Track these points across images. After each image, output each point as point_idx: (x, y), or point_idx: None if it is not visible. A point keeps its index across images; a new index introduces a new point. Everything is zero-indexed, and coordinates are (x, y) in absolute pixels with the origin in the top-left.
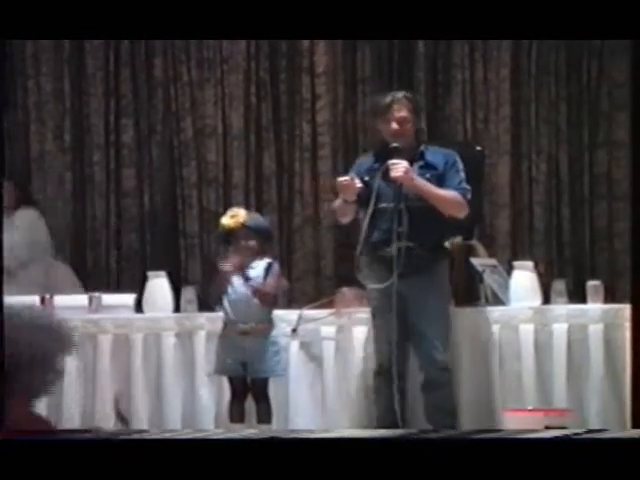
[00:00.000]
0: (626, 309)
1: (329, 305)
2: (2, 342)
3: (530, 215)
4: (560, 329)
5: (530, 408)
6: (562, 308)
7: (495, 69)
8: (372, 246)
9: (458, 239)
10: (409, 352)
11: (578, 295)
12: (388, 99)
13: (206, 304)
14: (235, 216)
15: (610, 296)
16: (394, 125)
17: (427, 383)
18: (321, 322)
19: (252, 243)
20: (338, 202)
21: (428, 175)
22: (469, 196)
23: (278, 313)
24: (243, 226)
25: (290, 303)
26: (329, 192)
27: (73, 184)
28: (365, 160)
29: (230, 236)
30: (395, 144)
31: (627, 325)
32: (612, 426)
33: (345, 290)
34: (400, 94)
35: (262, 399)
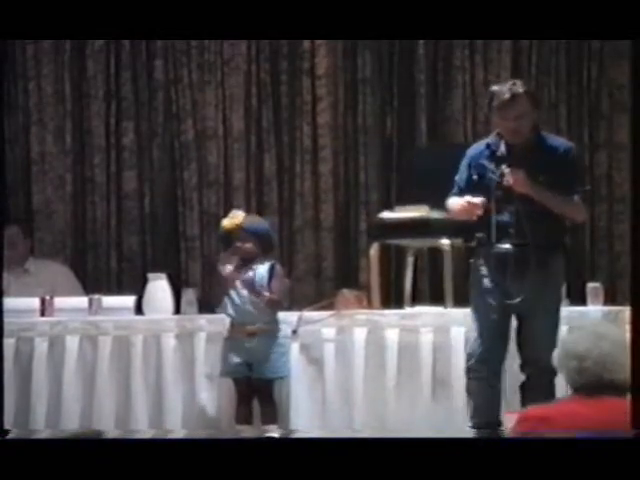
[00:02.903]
0: (626, 311)
1: (330, 307)
2: (2, 341)
3: None
4: (560, 331)
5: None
6: (562, 310)
7: (495, 71)
8: (486, 242)
9: (459, 241)
10: (506, 351)
11: (578, 297)
12: (507, 95)
13: (206, 306)
14: (233, 218)
15: (610, 298)
16: (512, 124)
17: (528, 384)
18: (322, 324)
19: (248, 246)
20: (457, 205)
21: (541, 178)
22: (583, 197)
23: (279, 314)
24: (239, 228)
25: (291, 305)
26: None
27: (74, 186)
28: (478, 152)
29: (228, 238)
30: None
31: (627, 327)
32: None
33: (345, 291)
34: (521, 89)
35: (268, 400)
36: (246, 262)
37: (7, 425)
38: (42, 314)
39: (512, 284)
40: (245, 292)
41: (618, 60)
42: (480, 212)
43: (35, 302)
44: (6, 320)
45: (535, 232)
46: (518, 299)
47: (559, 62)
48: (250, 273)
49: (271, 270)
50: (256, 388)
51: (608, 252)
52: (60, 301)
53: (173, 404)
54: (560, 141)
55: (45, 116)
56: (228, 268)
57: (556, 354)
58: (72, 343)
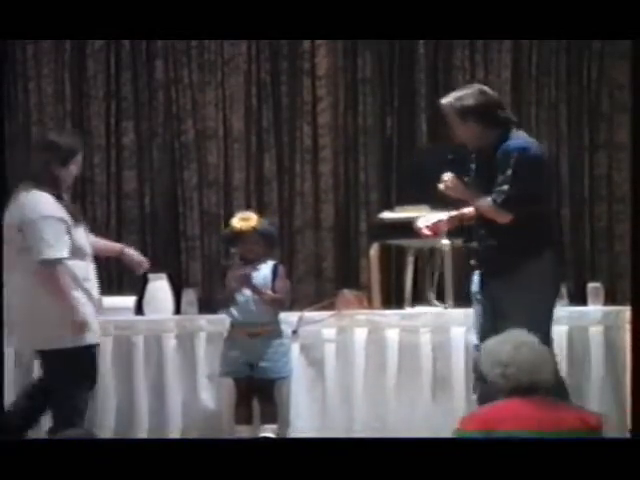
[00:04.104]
0: (626, 311)
1: (330, 307)
2: (2, 341)
3: None
4: (560, 331)
5: None
6: (563, 310)
7: (496, 71)
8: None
9: (458, 241)
10: None
11: (578, 297)
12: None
13: (206, 306)
14: (247, 220)
15: (610, 298)
16: (451, 130)
17: None
18: (322, 324)
19: (258, 248)
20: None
21: (485, 181)
22: (499, 200)
23: (280, 315)
24: (254, 230)
25: (291, 305)
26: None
27: (74, 186)
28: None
29: (238, 238)
30: (450, 156)
31: (627, 327)
32: (612, 427)
33: (346, 292)
34: (444, 100)
35: (268, 400)
36: (249, 262)
37: None
38: None
39: (489, 286)
40: (249, 292)
41: (618, 60)
42: (427, 233)
43: None
44: None
45: (500, 233)
46: (492, 301)
47: (559, 62)
48: (254, 273)
49: (274, 270)
50: (257, 388)
51: (608, 252)
52: None
53: (174, 404)
54: (513, 142)
55: (45, 116)
56: (237, 272)
57: (482, 362)
58: None
